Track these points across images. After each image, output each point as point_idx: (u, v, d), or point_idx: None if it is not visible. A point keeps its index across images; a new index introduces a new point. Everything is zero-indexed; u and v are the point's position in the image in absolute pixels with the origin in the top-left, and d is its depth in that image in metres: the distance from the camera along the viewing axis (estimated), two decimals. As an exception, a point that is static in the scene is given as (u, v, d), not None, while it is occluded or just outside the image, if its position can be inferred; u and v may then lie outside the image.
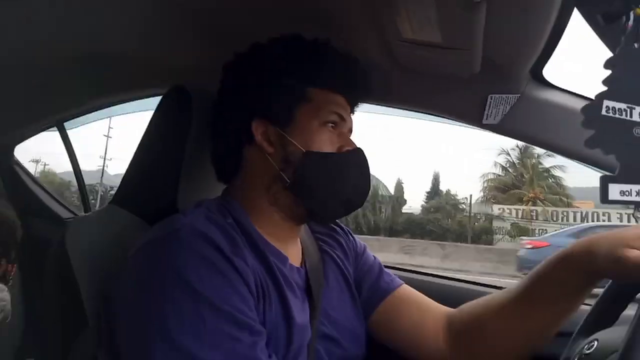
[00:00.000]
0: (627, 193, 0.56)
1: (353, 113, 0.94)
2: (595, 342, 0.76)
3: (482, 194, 27.57)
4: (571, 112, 1.10)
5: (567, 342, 0.85)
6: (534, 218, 22.15)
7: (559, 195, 25.20)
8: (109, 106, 1.72)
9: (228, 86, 0.90)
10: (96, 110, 1.76)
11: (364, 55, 1.09)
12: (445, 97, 1.21)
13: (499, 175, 27.73)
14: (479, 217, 24.56)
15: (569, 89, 1.13)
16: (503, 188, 26.73)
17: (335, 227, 1.05)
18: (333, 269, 0.95)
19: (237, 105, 0.86)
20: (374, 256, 1.06)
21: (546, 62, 1.07)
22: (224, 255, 0.69)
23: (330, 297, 0.90)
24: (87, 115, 1.81)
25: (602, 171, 0.98)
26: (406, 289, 1.00)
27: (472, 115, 1.18)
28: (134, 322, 0.66)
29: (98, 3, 1.10)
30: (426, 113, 1.29)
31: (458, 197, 27.46)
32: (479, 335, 0.89)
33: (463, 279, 1.49)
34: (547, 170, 26.43)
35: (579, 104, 1.09)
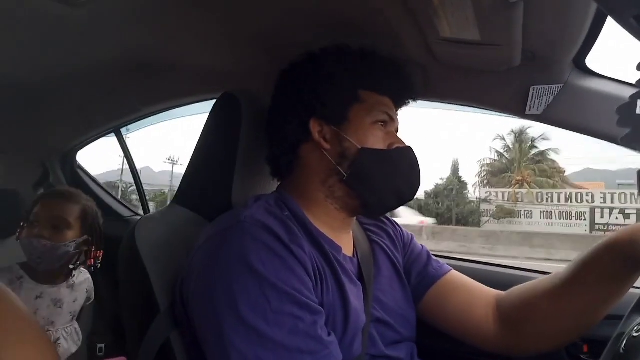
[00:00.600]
0: None
1: (398, 114, 1.00)
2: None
3: (477, 178, 28.72)
4: (616, 99, 1.09)
5: (615, 324, 0.83)
6: (520, 200, 22.56)
7: (549, 177, 25.78)
8: (162, 112, 1.82)
9: (285, 91, 0.98)
10: (150, 117, 1.87)
11: (404, 55, 1.14)
12: (486, 90, 1.22)
13: (495, 160, 28.78)
14: (468, 200, 25.37)
15: (613, 77, 1.12)
16: (496, 172, 27.83)
17: (383, 219, 1.10)
18: (383, 258, 1.01)
19: (294, 107, 0.93)
20: (421, 245, 1.11)
21: (589, 51, 1.07)
22: (283, 243, 0.75)
23: (381, 283, 0.96)
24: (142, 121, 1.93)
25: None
26: (455, 274, 1.05)
27: (515, 107, 1.19)
28: (207, 303, 0.73)
29: (152, 14, 1.18)
30: (468, 106, 1.31)
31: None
32: (529, 317, 0.92)
33: (511, 265, 1.50)
34: (542, 153, 27.53)
35: (623, 91, 1.10)
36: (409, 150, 0.94)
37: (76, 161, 2.15)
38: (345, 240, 0.95)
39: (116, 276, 0.98)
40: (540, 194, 22.46)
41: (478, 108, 1.30)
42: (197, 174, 1.13)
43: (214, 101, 1.12)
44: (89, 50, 1.40)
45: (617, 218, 18.66)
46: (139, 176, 2.16)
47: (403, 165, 0.92)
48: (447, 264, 1.09)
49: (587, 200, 20.22)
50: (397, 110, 1.00)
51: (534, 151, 27.83)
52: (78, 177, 2.15)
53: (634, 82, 1.01)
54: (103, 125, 1.95)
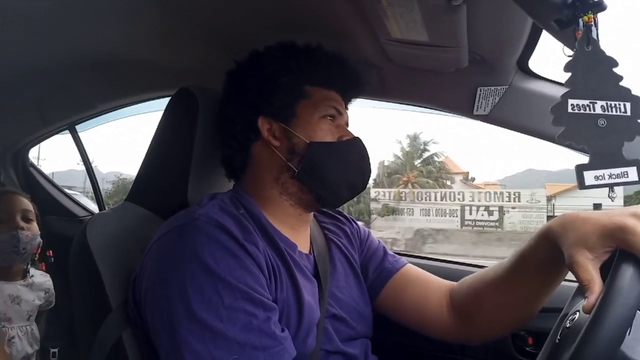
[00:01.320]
0: (600, 177, 0.61)
1: (347, 108, 1.02)
2: (577, 314, 0.80)
3: (375, 180, 31.21)
4: (557, 100, 1.15)
5: (553, 317, 0.85)
6: (403, 199, 24.77)
7: (436, 179, 29.53)
8: (118, 109, 1.79)
9: (232, 90, 0.98)
10: (106, 113, 1.84)
11: (357, 54, 1.16)
12: (436, 90, 1.27)
13: (392, 162, 32.27)
14: (360, 200, 27.29)
15: (554, 79, 1.18)
16: (392, 173, 31.68)
17: (339, 216, 1.12)
18: (338, 255, 1.03)
19: (242, 107, 0.94)
20: (378, 240, 1.13)
21: (531, 54, 1.13)
22: (237, 241, 0.76)
23: (337, 280, 0.98)
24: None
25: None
26: (410, 267, 1.08)
27: (463, 107, 1.24)
28: (160, 301, 0.73)
29: (106, 11, 1.17)
30: (419, 106, 1.35)
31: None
32: (477, 307, 0.96)
33: (465, 262, 1.55)
34: (431, 156, 31.86)
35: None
36: (357, 141, 0.95)
37: (28, 159, 2.09)
38: (302, 237, 0.96)
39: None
40: (420, 193, 25.31)
41: (430, 108, 1.34)
42: (151, 171, 1.12)
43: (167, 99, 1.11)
44: (42, 46, 1.37)
45: (482, 215, 21.72)
46: (94, 175, 2.11)
47: (352, 156, 0.94)
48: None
49: (459, 199, 23.13)
50: (346, 105, 1.01)
51: (426, 154, 31.55)
52: (30, 176, 2.08)
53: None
54: (57, 122, 1.90)
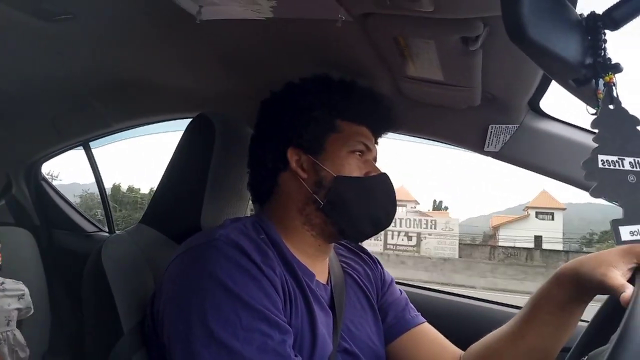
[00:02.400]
0: (636, 233, 0.63)
1: (377, 143, 1.03)
2: (585, 358, 0.82)
3: None
4: (567, 141, 1.18)
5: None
6: None
7: None
8: (133, 128, 1.82)
9: (265, 120, 1.00)
10: (121, 132, 1.87)
11: (373, 88, 1.19)
12: (449, 126, 1.29)
13: None
14: None
15: (564, 120, 1.20)
16: None
17: (363, 254, 1.12)
18: (355, 290, 1.03)
19: (274, 136, 0.96)
20: (400, 290, 1.13)
21: (543, 95, 1.15)
22: (255, 263, 0.78)
23: (352, 314, 0.97)
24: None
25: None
26: (428, 326, 1.08)
27: (474, 143, 1.26)
28: (178, 319, 0.74)
29: (128, 35, 1.20)
30: (431, 139, 1.37)
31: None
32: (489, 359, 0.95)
33: (470, 295, 1.55)
34: None
35: (574, 134, 1.18)
36: (384, 177, 0.96)
37: (41, 173, 2.11)
38: (320, 267, 0.97)
39: (80, 294, 0.98)
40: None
41: (440, 142, 1.36)
42: (166, 194, 1.14)
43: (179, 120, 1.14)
44: (63, 65, 1.40)
45: (402, 239, 22.67)
46: (105, 191, 2.14)
47: (378, 192, 0.94)
48: (409, 292, 1.13)
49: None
50: (375, 140, 1.02)
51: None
52: (42, 189, 2.11)
53: (583, 125, 1.09)
54: (72, 139, 1.93)
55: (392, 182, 0.97)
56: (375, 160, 1.00)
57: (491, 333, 0.98)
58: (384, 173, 0.97)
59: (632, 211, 0.61)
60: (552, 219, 29.51)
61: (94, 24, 1.14)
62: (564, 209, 30.66)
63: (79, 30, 1.16)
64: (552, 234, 26.73)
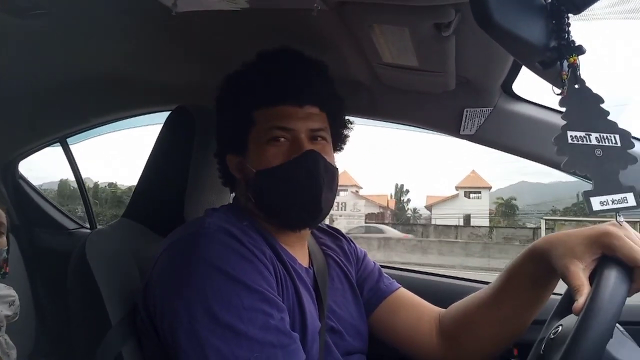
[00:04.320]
0: (605, 203, 0.66)
1: (306, 106, 0.92)
2: (560, 327, 0.83)
3: None
4: (539, 122, 1.22)
5: (538, 329, 0.91)
6: None
7: None
8: (111, 122, 1.81)
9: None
10: (98, 127, 1.85)
11: (349, 75, 1.21)
12: (425, 111, 1.31)
13: None
14: None
15: (536, 102, 1.24)
16: None
17: (336, 233, 1.15)
18: (337, 271, 1.06)
19: (218, 143, 1.00)
20: (373, 262, 1.16)
21: (515, 78, 1.18)
22: (246, 246, 0.80)
23: (334, 295, 1.00)
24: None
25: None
26: (403, 291, 1.11)
27: (450, 127, 1.29)
28: (178, 305, 0.75)
29: (102, 29, 1.19)
30: (408, 125, 1.40)
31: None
32: (465, 327, 1.00)
33: (455, 276, 1.60)
34: None
35: (545, 115, 1.22)
36: (304, 158, 0.88)
37: (18, 171, 2.08)
38: (300, 252, 0.99)
39: (65, 292, 0.98)
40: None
41: (418, 127, 1.39)
42: (148, 187, 1.14)
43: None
44: (38, 61, 1.38)
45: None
46: (84, 188, 2.11)
47: (297, 175, 0.88)
48: (393, 275, 1.16)
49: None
50: (303, 107, 0.91)
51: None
52: (20, 188, 2.07)
53: (554, 107, 1.13)
54: (49, 135, 1.90)
55: (318, 158, 0.89)
56: (312, 134, 0.92)
57: (468, 297, 1.03)
58: (306, 152, 0.88)
59: (600, 183, 0.65)
60: (480, 197, 31.73)
61: (69, 19, 1.13)
62: (489, 188, 33.19)
63: (54, 25, 1.15)
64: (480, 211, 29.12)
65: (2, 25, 1.12)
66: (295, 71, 0.93)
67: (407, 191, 39.80)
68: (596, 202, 0.66)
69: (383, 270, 1.17)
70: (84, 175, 2.14)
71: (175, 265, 0.79)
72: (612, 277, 0.67)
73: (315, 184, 0.88)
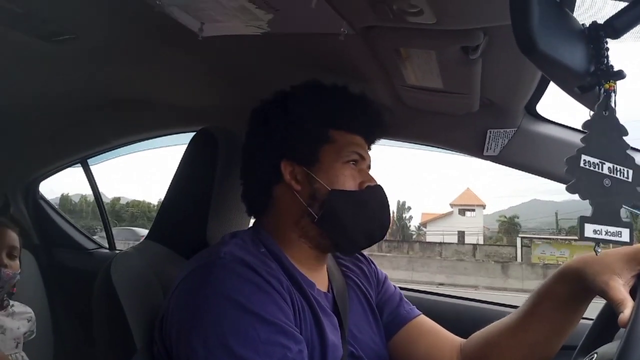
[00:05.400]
0: (598, 232, 0.65)
1: (370, 149, 1.02)
2: (595, 355, 0.80)
3: None
4: (562, 142, 1.20)
5: (572, 354, 0.88)
6: None
7: None
8: (133, 143, 1.83)
9: (256, 130, 0.98)
10: (119, 148, 1.87)
11: (373, 97, 1.21)
12: (448, 132, 1.31)
13: None
14: None
15: (560, 122, 1.23)
16: None
17: (358, 256, 1.13)
18: (357, 293, 1.04)
19: (266, 148, 0.94)
20: (394, 286, 1.14)
21: (539, 99, 1.18)
22: (262, 277, 0.78)
23: (355, 319, 0.98)
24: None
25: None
26: (424, 318, 1.08)
27: (473, 148, 1.28)
28: (195, 338, 0.74)
29: (126, 53, 1.21)
30: (431, 146, 1.40)
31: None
32: (489, 354, 0.96)
33: (472, 298, 1.57)
34: None
35: (569, 135, 1.21)
36: (378, 189, 0.95)
37: (39, 191, 2.11)
38: (319, 276, 0.97)
39: (82, 312, 0.98)
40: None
41: (440, 148, 1.38)
42: (172, 209, 1.14)
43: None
44: (62, 84, 1.41)
45: None
46: (104, 208, 2.13)
47: (373, 205, 0.93)
48: (410, 297, 1.14)
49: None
50: (368, 147, 1.00)
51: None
52: (40, 208, 2.10)
53: (578, 127, 1.11)
54: (71, 156, 1.93)
55: (385, 194, 0.96)
56: (369, 168, 0.99)
57: (492, 324, 1.00)
58: (379, 184, 0.96)
59: (600, 212, 0.64)
60: (474, 215, 31.76)
61: (95, 44, 1.14)
62: (484, 206, 33.32)
63: (79, 49, 1.16)
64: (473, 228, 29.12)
65: (26, 47, 1.14)
66: (374, 109, 0.99)
67: (409, 208, 39.72)
68: (589, 229, 0.65)
69: (403, 292, 1.15)
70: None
71: (191, 298, 0.78)
72: None
73: (386, 217, 0.96)
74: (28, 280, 1.92)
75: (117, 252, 1.79)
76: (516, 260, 18.47)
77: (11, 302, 1.61)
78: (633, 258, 0.74)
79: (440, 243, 22.87)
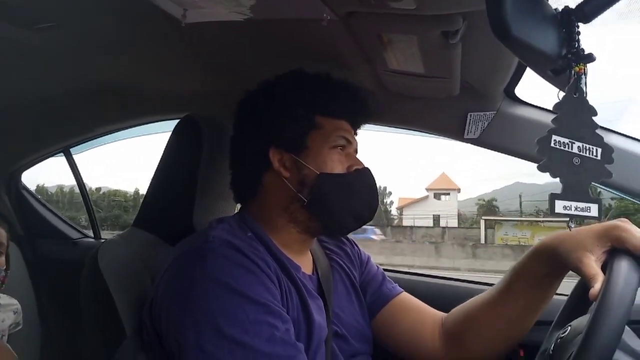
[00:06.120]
0: (568, 208, 0.69)
1: (356, 134, 1.04)
2: (569, 327, 0.84)
3: None
4: (541, 125, 1.23)
5: (546, 329, 0.93)
6: None
7: None
8: (116, 132, 1.81)
9: (244, 120, 1.00)
10: (102, 136, 1.86)
11: (355, 82, 1.22)
12: (429, 116, 1.33)
13: None
14: None
15: (538, 105, 1.26)
16: None
17: (342, 238, 1.16)
18: (341, 275, 1.07)
19: (254, 136, 0.96)
20: (377, 266, 1.17)
21: (518, 82, 1.20)
22: (250, 259, 0.80)
23: (339, 299, 1.01)
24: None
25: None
26: (406, 295, 1.12)
27: (454, 131, 1.31)
28: (185, 321, 0.75)
29: (109, 41, 1.20)
30: (413, 130, 1.42)
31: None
32: (469, 326, 1.01)
33: (455, 277, 1.61)
34: None
35: (547, 117, 1.23)
36: (366, 172, 0.97)
37: (21, 182, 2.08)
38: (305, 259, 1.00)
39: (69, 302, 0.98)
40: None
41: (421, 132, 1.41)
42: (157, 197, 1.15)
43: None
44: (44, 73, 1.39)
45: None
46: (88, 197, 2.11)
47: (361, 187, 0.96)
48: (395, 278, 1.17)
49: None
50: (354, 132, 1.03)
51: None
52: (23, 198, 2.08)
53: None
54: (53, 145, 1.91)
55: (373, 176, 0.99)
56: (356, 152, 1.01)
57: (472, 299, 1.04)
58: (367, 167, 0.98)
59: (569, 188, 0.67)
60: (449, 198, 32.50)
61: (76, 31, 1.13)
62: (458, 190, 34.08)
63: (61, 38, 1.15)
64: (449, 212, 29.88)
65: (7, 36, 1.13)
66: (359, 94, 1.02)
67: (390, 193, 40.31)
68: (560, 206, 0.68)
69: (387, 274, 1.18)
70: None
71: (180, 281, 0.80)
72: (624, 266, 0.70)
73: (373, 197, 0.98)
74: (13, 272, 1.91)
75: (103, 240, 1.79)
76: (480, 242, 18.81)
77: None
78: (604, 235, 0.78)
79: (411, 227, 23.50)
